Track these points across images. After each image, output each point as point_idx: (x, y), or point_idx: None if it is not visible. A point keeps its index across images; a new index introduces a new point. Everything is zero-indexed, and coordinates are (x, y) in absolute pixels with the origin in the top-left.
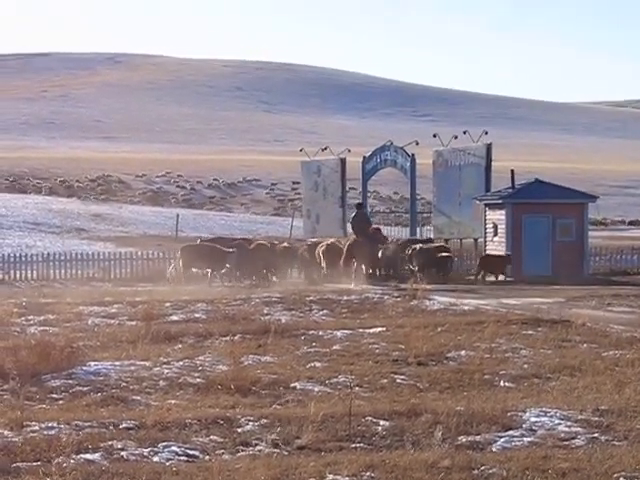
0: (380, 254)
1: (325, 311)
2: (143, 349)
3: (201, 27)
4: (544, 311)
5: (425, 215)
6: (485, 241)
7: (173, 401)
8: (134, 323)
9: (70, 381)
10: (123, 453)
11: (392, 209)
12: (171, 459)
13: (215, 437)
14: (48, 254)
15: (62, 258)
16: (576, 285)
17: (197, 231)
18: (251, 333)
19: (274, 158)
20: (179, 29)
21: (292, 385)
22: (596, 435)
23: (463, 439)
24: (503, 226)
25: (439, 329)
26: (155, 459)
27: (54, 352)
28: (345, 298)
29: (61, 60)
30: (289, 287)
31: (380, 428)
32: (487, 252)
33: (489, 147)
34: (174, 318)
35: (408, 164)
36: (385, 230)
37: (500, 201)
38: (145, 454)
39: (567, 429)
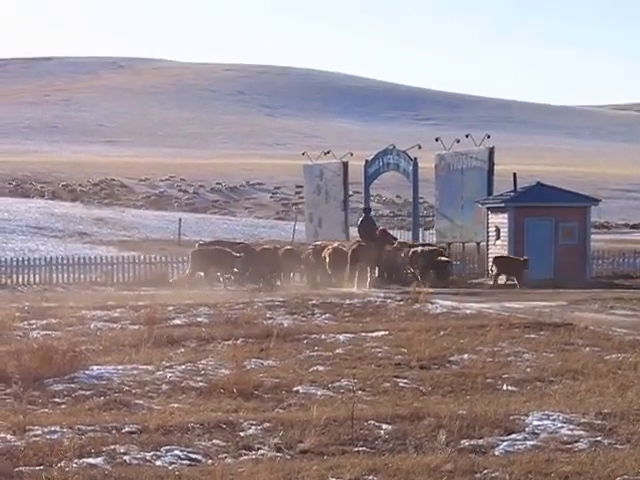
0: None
1: (328, 315)
2: (146, 353)
3: (203, 30)
4: (546, 314)
5: (428, 219)
6: (487, 245)
7: (176, 405)
8: (137, 327)
9: (72, 385)
10: (126, 457)
11: (396, 213)
12: (174, 463)
13: (218, 441)
14: (51, 258)
15: (65, 262)
16: (578, 288)
17: (200, 235)
18: (254, 337)
19: (276, 162)
20: (181, 33)
21: (295, 389)
22: (599, 438)
23: (466, 443)
24: (505, 229)
25: (441, 333)
26: (158, 463)
27: (56, 356)
28: (347, 302)
29: (64, 64)
30: (292, 291)
31: (383, 432)
32: (499, 254)
33: (492, 151)
34: (177, 322)
35: (410, 168)
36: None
37: (502, 204)
38: (148, 458)
39: (570, 432)
